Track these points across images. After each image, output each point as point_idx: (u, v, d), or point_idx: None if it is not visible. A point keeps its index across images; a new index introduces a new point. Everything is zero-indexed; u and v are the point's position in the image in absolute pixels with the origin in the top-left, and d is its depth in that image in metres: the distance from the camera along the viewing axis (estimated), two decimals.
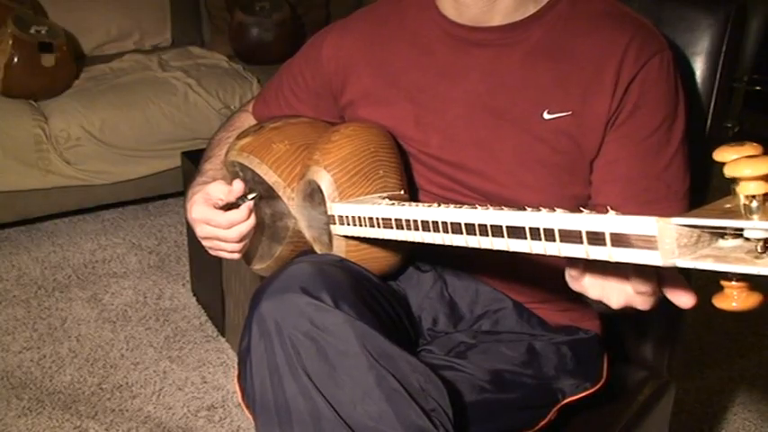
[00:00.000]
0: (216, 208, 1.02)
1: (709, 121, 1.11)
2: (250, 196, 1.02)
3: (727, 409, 1.84)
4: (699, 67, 1.09)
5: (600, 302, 0.76)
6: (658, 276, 0.68)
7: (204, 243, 1.06)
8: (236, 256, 1.06)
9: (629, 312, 0.80)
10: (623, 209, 0.94)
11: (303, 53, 1.16)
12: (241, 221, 1.01)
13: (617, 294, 0.73)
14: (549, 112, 0.96)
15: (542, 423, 1.02)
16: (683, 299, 0.66)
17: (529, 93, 0.97)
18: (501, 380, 0.99)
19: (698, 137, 1.09)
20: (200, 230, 1.04)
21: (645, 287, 0.68)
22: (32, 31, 2.48)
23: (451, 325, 1.07)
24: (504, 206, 0.98)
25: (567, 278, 0.76)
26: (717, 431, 1.78)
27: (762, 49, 2.94)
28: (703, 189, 1.10)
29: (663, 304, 0.76)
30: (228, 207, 1.02)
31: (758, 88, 3.14)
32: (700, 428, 1.78)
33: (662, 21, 1.09)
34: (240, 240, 1.03)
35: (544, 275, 1.04)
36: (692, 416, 1.81)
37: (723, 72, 1.09)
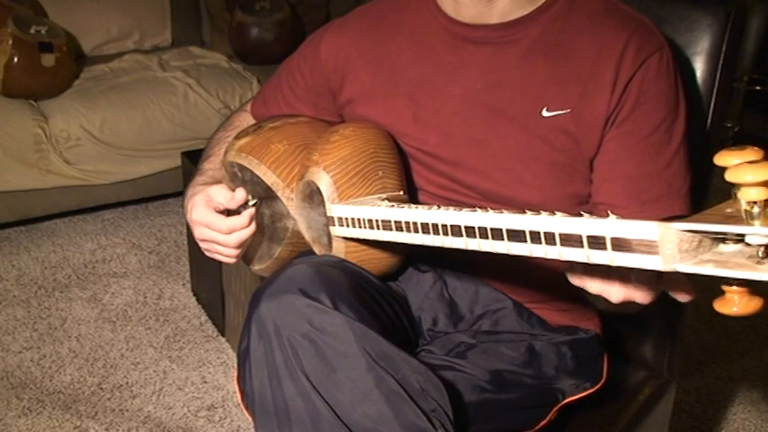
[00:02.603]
0: (216, 212, 1.02)
1: (709, 121, 1.10)
2: (251, 203, 1.02)
3: (727, 409, 1.84)
4: (699, 66, 1.09)
5: (600, 297, 0.76)
6: (658, 271, 0.68)
7: (201, 245, 1.06)
8: (233, 260, 1.06)
9: (629, 308, 0.80)
10: (624, 208, 0.94)
11: (302, 52, 1.16)
12: (241, 228, 1.01)
13: (617, 289, 0.73)
14: (547, 110, 0.96)
15: (542, 423, 1.02)
16: (682, 293, 0.66)
17: (527, 90, 0.96)
18: (501, 380, 0.99)
19: (698, 137, 1.09)
20: (200, 233, 1.04)
21: (645, 281, 0.68)
22: (32, 31, 2.48)
23: (451, 325, 1.07)
24: (503, 204, 0.98)
25: (567, 273, 0.76)
26: (717, 431, 1.78)
27: (762, 49, 2.93)
28: (704, 189, 1.10)
29: (662, 304, 0.76)
30: (228, 211, 1.02)
31: (758, 88, 3.14)
32: (700, 428, 1.78)
33: (662, 20, 1.09)
34: (238, 246, 1.03)
35: (544, 276, 1.04)
36: (691, 416, 1.81)
37: (723, 72, 1.09)
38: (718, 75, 1.09)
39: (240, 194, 1.01)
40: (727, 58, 1.08)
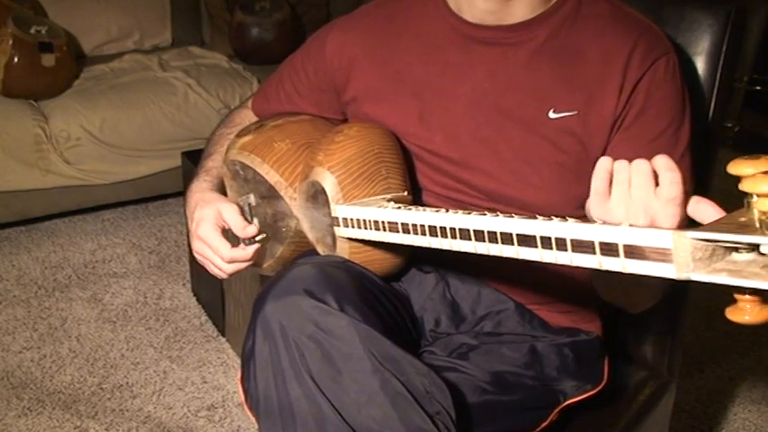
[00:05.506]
0: (221, 228, 1.02)
1: (709, 121, 1.11)
2: (258, 237, 1.02)
3: (727, 409, 1.85)
4: (699, 67, 1.09)
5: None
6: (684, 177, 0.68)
7: (196, 256, 1.07)
8: (223, 277, 1.07)
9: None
10: None
11: (306, 48, 1.16)
12: (242, 261, 1.02)
13: (643, 213, 0.72)
14: (554, 112, 0.96)
15: (543, 424, 1.02)
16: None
17: (534, 92, 0.97)
18: (502, 381, 0.99)
19: (698, 137, 1.09)
20: (199, 248, 1.04)
21: (673, 191, 0.69)
22: (32, 31, 2.48)
23: (453, 326, 1.07)
24: (509, 205, 0.97)
25: (591, 202, 0.75)
26: (717, 431, 1.79)
27: (762, 49, 2.94)
28: (704, 189, 1.11)
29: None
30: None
31: (758, 88, 3.14)
32: (700, 428, 1.78)
33: (662, 20, 1.09)
34: (232, 273, 1.04)
35: (546, 277, 1.04)
36: (691, 416, 1.81)
37: (723, 72, 1.09)
38: (718, 75, 1.09)
39: (252, 230, 1.02)
40: (728, 58, 1.08)
